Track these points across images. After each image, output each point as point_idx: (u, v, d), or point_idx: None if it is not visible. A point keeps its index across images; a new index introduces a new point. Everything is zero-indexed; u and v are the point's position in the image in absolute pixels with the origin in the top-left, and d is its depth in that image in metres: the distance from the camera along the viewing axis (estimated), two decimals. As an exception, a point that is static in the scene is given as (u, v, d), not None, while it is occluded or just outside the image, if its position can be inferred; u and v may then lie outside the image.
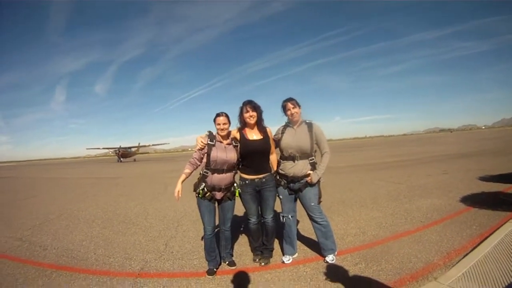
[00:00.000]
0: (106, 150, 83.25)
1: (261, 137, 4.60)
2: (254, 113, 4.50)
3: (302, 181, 4.50)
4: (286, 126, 4.70)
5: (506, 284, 3.39)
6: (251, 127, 4.60)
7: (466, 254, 4.36)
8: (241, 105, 4.61)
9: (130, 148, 70.44)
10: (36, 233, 7.11)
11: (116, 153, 64.11)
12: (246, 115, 4.49)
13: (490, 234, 4.94)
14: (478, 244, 4.64)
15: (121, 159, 61.40)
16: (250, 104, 4.51)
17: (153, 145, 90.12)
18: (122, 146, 65.95)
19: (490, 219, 5.80)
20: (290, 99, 4.54)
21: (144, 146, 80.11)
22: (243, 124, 4.64)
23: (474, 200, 7.22)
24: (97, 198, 12.50)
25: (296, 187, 4.56)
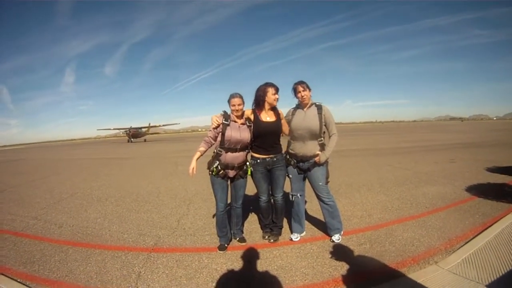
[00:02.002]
0: (117, 131, 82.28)
1: (274, 119, 4.68)
2: (278, 96, 4.61)
3: (311, 161, 4.62)
4: (296, 108, 4.80)
5: (504, 272, 3.50)
6: (268, 109, 4.68)
7: (467, 242, 4.46)
8: (261, 86, 4.65)
9: (140, 128, 69.81)
10: (51, 212, 7.28)
11: (126, 133, 63.72)
12: (273, 97, 4.58)
13: (492, 224, 5.02)
14: (480, 233, 4.73)
15: (132, 139, 61.08)
16: (276, 87, 4.60)
17: (163, 125, 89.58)
18: (132, 127, 65.35)
19: (493, 209, 5.85)
20: (300, 82, 4.62)
21: (155, 126, 79.40)
22: (258, 105, 4.70)
23: (479, 190, 7.25)
24: (110, 178, 12.73)
25: (305, 166, 4.68)
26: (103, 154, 30.69)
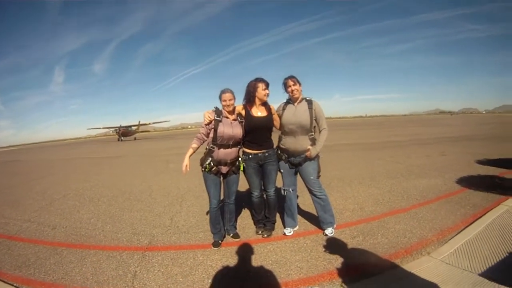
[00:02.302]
0: (107, 130, 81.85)
1: (266, 113, 4.71)
2: (268, 92, 4.63)
3: (302, 155, 4.65)
4: (287, 103, 4.83)
5: (495, 261, 3.57)
6: (259, 104, 4.71)
7: (459, 232, 4.53)
8: (252, 81, 4.67)
9: (130, 127, 69.31)
10: (44, 214, 7.25)
11: (116, 132, 63.25)
12: (263, 92, 4.59)
13: (483, 215, 5.08)
14: (471, 224, 4.80)
15: (122, 138, 60.76)
16: (266, 82, 4.62)
17: (153, 123, 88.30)
18: (122, 125, 64.83)
19: (483, 200, 5.92)
20: (291, 77, 4.64)
21: (144, 124, 78.95)
22: (249, 100, 4.72)
23: (470, 182, 7.33)
24: (101, 177, 12.71)
25: (296, 161, 4.72)
26: (94, 153, 30.61)
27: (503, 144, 14.92)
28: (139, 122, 76.23)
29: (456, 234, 4.49)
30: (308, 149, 4.58)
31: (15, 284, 3.92)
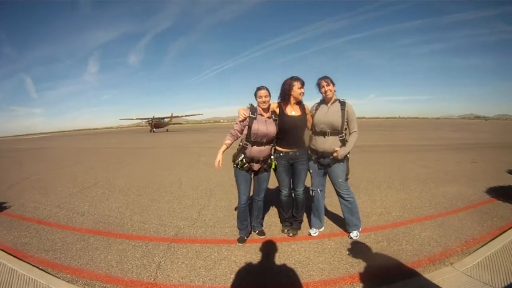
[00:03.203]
0: (139, 121, 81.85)
1: (300, 113, 4.71)
2: (303, 90, 4.63)
3: (331, 156, 4.64)
4: (320, 103, 4.82)
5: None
6: (294, 103, 4.71)
7: (484, 244, 4.47)
8: (288, 79, 4.65)
9: (163, 118, 69.42)
10: (73, 200, 7.43)
11: (149, 123, 63.29)
12: (299, 91, 4.59)
13: (510, 228, 4.99)
14: (497, 236, 4.72)
15: (154, 129, 60.77)
16: (302, 81, 4.62)
17: (186, 115, 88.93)
18: (155, 117, 64.92)
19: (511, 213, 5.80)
20: (324, 77, 4.63)
21: (177, 116, 78.77)
22: (284, 98, 4.72)
23: (499, 192, 7.14)
24: (132, 167, 12.91)
25: (325, 162, 4.71)
26: (125, 143, 30.81)
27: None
28: (172, 114, 75.98)
29: (481, 246, 4.42)
30: (336, 151, 4.57)
31: (40, 267, 4.04)
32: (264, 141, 4.58)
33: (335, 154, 4.58)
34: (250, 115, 4.50)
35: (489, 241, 4.57)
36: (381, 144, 21.80)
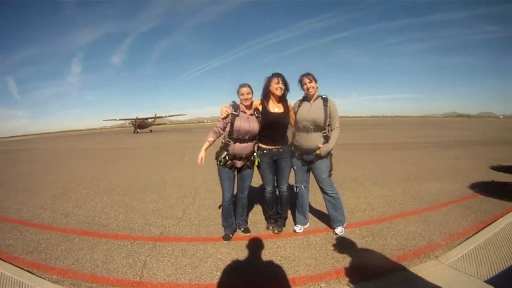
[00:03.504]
0: (122, 122, 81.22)
1: (283, 110, 4.72)
2: (283, 86, 4.60)
3: (314, 153, 4.65)
4: (302, 100, 4.84)
5: (503, 268, 3.57)
6: (276, 99, 4.72)
7: (468, 238, 4.53)
8: (269, 76, 4.68)
9: (146, 119, 68.98)
10: (57, 202, 7.36)
11: (132, 124, 62.84)
12: (276, 86, 4.58)
13: (493, 221, 5.06)
14: (481, 230, 4.78)
15: (138, 130, 60.33)
16: (281, 77, 4.60)
17: (169, 116, 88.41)
18: (138, 117, 64.32)
19: (495, 207, 5.86)
20: (307, 74, 4.65)
21: (161, 117, 78.58)
22: (266, 95, 4.74)
23: (482, 188, 7.26)
24: (116, 168, 12.86)
25: (309, 158, 4.72)
26: (109, 144, 30.67)
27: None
28: (155, 114, 75.76)
29: (465, 240, 4.48)
30: (319, 147, 4.59)
31: (25, 268, 4.00)
32: (247, 138, 4.59)
33: (318, 151, 4.60)
34: (233, 112, 4.52)
35: (474, 235, 4.63)
36: (364, 142, 22.02)
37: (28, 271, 3.92)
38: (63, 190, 8.64)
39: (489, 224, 4.97)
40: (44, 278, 3.79)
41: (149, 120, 70.72)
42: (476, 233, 4.70)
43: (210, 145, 4.64)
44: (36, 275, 3.85)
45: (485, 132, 31.65)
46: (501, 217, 5.27)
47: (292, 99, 4.95)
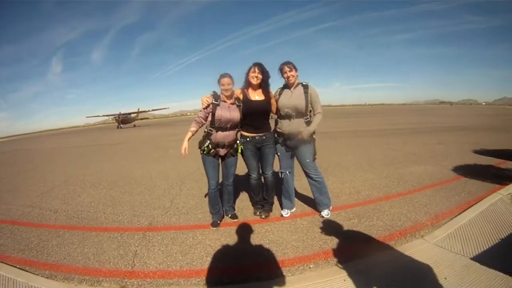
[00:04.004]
0: (106, 118, 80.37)
1: (263, 98, 4.76)
2: (260, 75, 4.63)
3: (297, 138, 4.71)
4: (283, 88, 4.88)
5: (487, 246, 3.66)
6: (255, 88, 4.75)
7: (453, 218, 4.62)
8: (250, 65, 4.71)
9: (129, 114, 68.39)
10: (45, 199, 7.30)
11: (116, 119, 62.10)
12: (252, 74, 4.63)
13: (477, 202, 5.13)
14: (465, 210, 4.87)
15: (121, 125, 59.46)
16: (259, 66, 4.63)
17: (152, 110, 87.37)
18: (121, 113, 63.79)
19: (478, 189, 5.96)
20: (287, 63, 4.69)
21: (144, 111, 77.83)
22: (247, 84, 4.79)
23: (466, 171, 7.38)
24: (101, 163, 12.74)
25: (292, 144, 4.77)
26: (94, 141, 30.19)
27: (501, 135, 14.80)
28: (138, 109, 74.98)
29: (450, 219, 4.57)
30: (300, 132, 4.64)
31: (18, 266, 3.99)
32: (228, 126, 4.62)
33: (300, 136, 4.65)
34: (213, 102, 4.55)
35: (458, 215, 4.72)
36: (347, 130, 22.19)
37: (21, 269, 3.92)
38: (50, 187, 8.56)
39: (473, 205, 5.05)
40: (37, 274, 3.78)
41: (133, 115, 70.10)
42: (460, 213, 4.78)
43: (192, 135, 4.68)
44: (29, 272, 3.85)
45: (467, 118, 31.95)
46: (484, 198, 5.35)
47: (274, 88, 4.99)
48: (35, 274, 3.81)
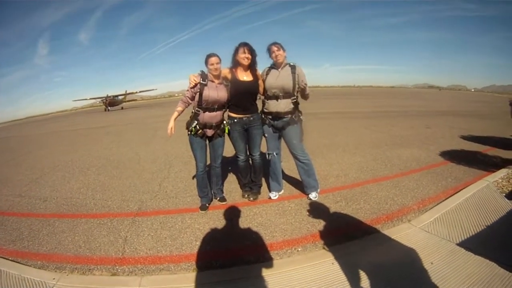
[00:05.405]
0: (93, 101, 79.38)
1: (252, 78, 4.75)
2: (250, 56, 4.61)
3: (284, 118, 4.72)
4: (270, 68, 4.85)
5: (473, 232, 3.71)
6: (244, 68, 4.73)
7: (439, 203, 4.67)
8: (237, 45, 4.68)
9: (117, 96, 66.89)
10: (34, 188, 7.23)
11: (103, 102, 60.98)
12: (242, 55, 4.59)
13: (463, 188, 5.17)
14: (451, 195, 4.92)
15: (109, 108, 58.53)
16: (247, 46, 4.61)
17: (140, 91, 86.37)
18: (109, 95, 62.41)
19: (465, 174, 6.02)
20: (274, 43, 4.68)
21: (132, 93, 76.76)
22: (235, 64, 4.76)
23: (453, 156, 7.43)
24: (89, 147, 12.61)
25: (279, 125, 4.77)
26: (81, 124, 29.53)
27: (489, 121, 14.85)
28: (126, 91, 73.89)
29: (437, 204, 4.62)
30: (291, 112, 4.72)
31: (11, 258, 3.98)
32: (216, 107, 4.61)
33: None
34: (201, 81, 4.51)
35: (445, 200, 4.78)
36: (335, 111, 22.18)
37: (13, 261, 3.91)
38: (38, 175, 8.47)
39: (459, 191, 5.10)
40: (30, 265, 3.77)
41: (120, 97, 68.91)
42: (447, 198, 4.84)
43: (179, 115, 4.66)
44: (21, 263, 3.83)
45: (456, 104, 31.99)
46: (471, 184, 5.40)
47: (261, 68, 4.96)
48: (27, 265, 3.80)
